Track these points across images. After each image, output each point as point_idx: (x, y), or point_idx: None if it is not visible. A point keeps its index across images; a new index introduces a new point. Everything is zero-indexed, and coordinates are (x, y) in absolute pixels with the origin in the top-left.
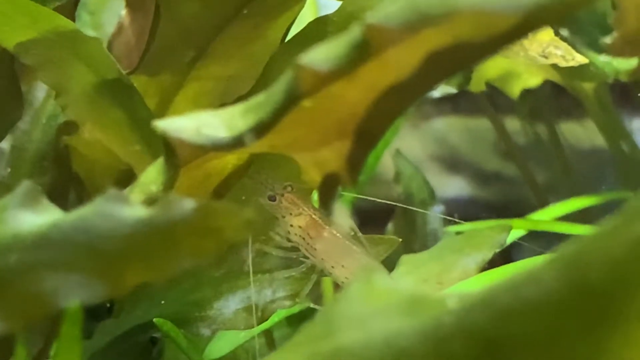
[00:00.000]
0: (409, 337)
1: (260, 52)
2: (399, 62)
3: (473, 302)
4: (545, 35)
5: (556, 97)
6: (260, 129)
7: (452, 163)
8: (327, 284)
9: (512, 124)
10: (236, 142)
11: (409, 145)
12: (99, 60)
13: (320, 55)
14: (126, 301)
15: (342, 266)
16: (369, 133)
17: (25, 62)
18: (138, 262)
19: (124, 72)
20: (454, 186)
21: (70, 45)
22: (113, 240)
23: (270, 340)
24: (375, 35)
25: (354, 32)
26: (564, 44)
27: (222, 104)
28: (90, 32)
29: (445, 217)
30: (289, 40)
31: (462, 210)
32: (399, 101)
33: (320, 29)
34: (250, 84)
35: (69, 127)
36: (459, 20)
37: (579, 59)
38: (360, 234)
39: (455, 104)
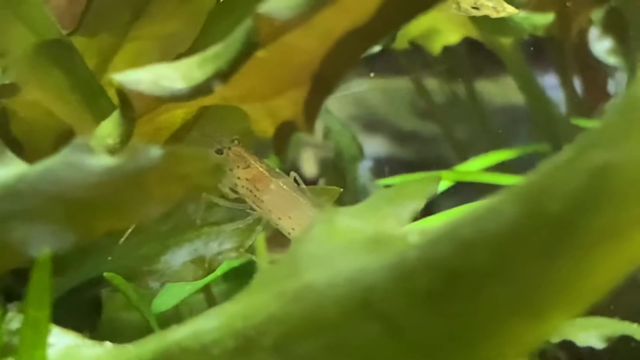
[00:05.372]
0: (374, 273)
1: (198, 11)
2: (356, 7)
3: (435, 236)
4: None
5: (472, 56)
6: (219, 79)
7: (371, 123)
8: (259, 238)
9: (430, 83)
10: (193, 93)
11: (328, 106)
12: (39, 21)
13: (279, 3)
14: (72, 258)
15: (289, 217)
16: (325, 80)
17: None
18: (107, 209)
19: (64, 33)
20: (373, 146)
21: (11, 6)
22: (81, 189)
23: (209, 295)
24: None
25: None
26: None
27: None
28: None
29: None
30: None
31: (382, 170)
32: (355, 47)
33: None
34: (188, 43)
35: (8, 90)
36: None
37: (509, 10)
38: (303, 185)
39: (372, 65)
